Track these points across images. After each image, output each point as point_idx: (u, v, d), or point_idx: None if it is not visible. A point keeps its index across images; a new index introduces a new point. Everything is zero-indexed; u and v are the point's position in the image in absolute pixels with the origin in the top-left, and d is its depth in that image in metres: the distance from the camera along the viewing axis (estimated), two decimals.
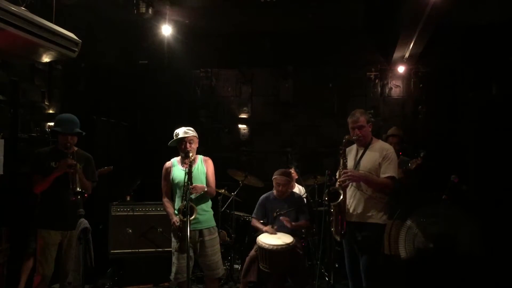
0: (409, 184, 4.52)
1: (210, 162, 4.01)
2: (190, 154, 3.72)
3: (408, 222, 4.40)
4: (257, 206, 4.93)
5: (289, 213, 4.68)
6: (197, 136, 3.90)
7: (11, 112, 4.44)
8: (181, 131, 3.83)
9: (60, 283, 3.82)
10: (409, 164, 4.55)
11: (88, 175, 3.82)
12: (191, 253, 3.74)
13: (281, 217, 4.67)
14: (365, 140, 3.66)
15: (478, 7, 5.49)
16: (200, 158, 3.95)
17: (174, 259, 3.80)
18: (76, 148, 3.75)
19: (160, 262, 5.09)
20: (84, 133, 3.83)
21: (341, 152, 3.65)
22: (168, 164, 3.96)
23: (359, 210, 3.54)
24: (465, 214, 4.35)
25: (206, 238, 3.82)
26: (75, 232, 3.73)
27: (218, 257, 3.89)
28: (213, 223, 3.95)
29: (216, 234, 3.96)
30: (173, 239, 3.85)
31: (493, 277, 4.25)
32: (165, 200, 3.92)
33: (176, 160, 3.96)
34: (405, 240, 4.38)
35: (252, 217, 4.97)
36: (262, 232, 4.66)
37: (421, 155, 4.56)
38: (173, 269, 3.79)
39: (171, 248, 3.90)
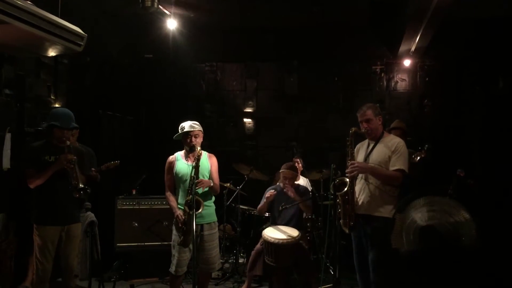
0: (414, 176, 4.52)
1: (214, 159, 3.99)
2: (198, 148, 3.70)
3: (407, 214, 4.37)
4: (263, 197, 4.92)
5: (295, 206, 4.69)
6: (202, 130, 3.89)
7: (18, 106, 4.46)
8: (187, 125, 3.81)
9: (64, 277, 3.75)
10: (413, 156, 4.55)
11: (81, 169, 3.67)
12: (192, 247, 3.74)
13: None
14: (374, 133, 3.68)
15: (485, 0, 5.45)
16: (205, 154, 3.90)
17: (174, 252, 3.80)
18: (68, 142, 3.63)
19: (166, 256, 5.04)
20: (79, 127, 3.81)
21: (348, 143, 3.67)
22: (171, 158, 3.93)
23: (368, 203, 3.56)
24: (466, 207, 4.32)
25: (206, 232, 3.81)
26: (75, 226, 3.72)
27: (215, 252, 3.88)
28: (214, 218, 3.93)
29: (216, 229, 3.95)
30: (174, 232, 3.85)
31: (495, 272, 4.23)
32: (168, 194, 3.90)
33: (179, 154, 3.94)
34: (405, 232, 4.36)
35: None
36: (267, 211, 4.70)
37: (425, 148, 4.58)
38: (174, 261, 3.79)
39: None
